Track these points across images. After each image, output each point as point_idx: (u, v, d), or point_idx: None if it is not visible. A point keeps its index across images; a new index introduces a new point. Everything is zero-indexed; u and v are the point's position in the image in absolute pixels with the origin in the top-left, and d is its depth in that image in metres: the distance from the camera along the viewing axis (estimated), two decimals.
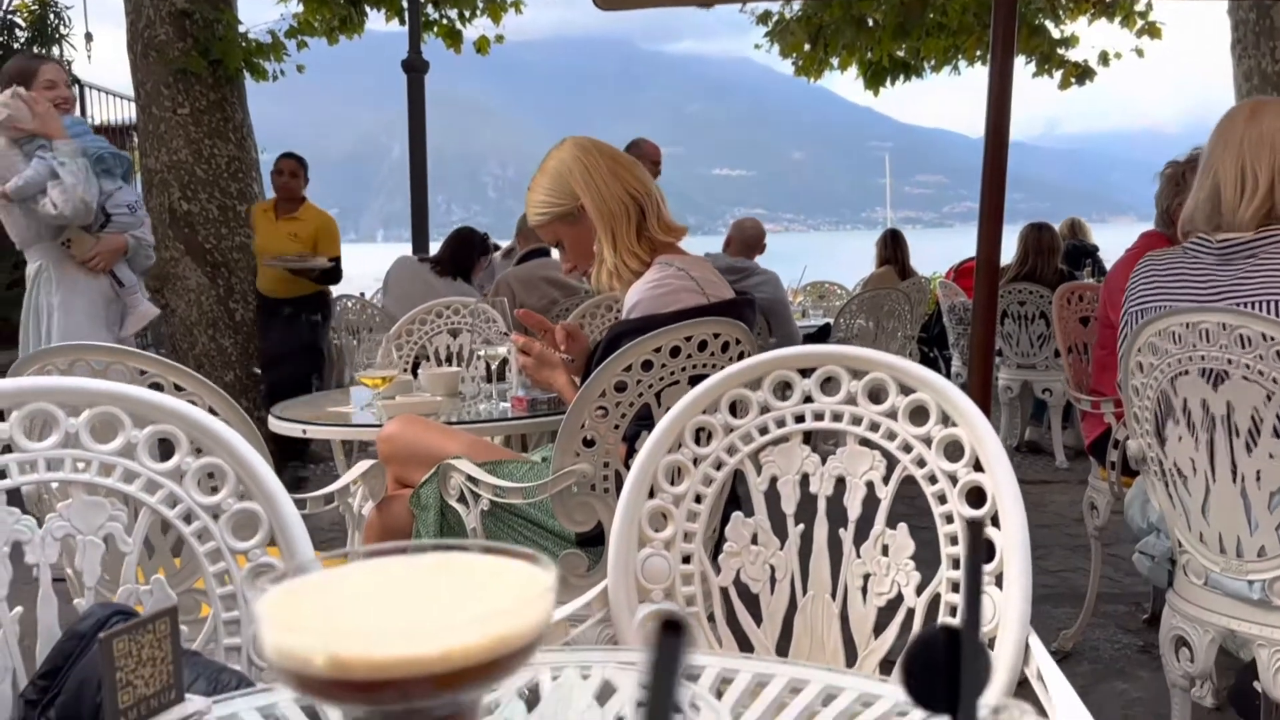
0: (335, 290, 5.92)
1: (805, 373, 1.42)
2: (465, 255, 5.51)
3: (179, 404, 1.18)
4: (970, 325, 4.49)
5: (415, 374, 3.15)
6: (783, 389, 1.43)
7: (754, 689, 0.96)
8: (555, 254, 4.88)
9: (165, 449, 1.19)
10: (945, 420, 1.32)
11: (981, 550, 0.41)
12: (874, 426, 1.36)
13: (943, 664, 0.44)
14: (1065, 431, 5.54)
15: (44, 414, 1.14)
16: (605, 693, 0.94)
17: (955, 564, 1.29)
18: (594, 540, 2.09)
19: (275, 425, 2.63)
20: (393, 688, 0.47)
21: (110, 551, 1.18)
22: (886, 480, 1.36)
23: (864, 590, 1.35)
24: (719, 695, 0.94)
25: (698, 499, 1.41)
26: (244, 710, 0.90)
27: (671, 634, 0.19)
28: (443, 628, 0.48)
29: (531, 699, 0.93)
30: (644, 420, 2.00)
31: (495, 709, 0.91)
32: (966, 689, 0.44)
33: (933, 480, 1.31)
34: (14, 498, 1.15)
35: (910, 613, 1.30)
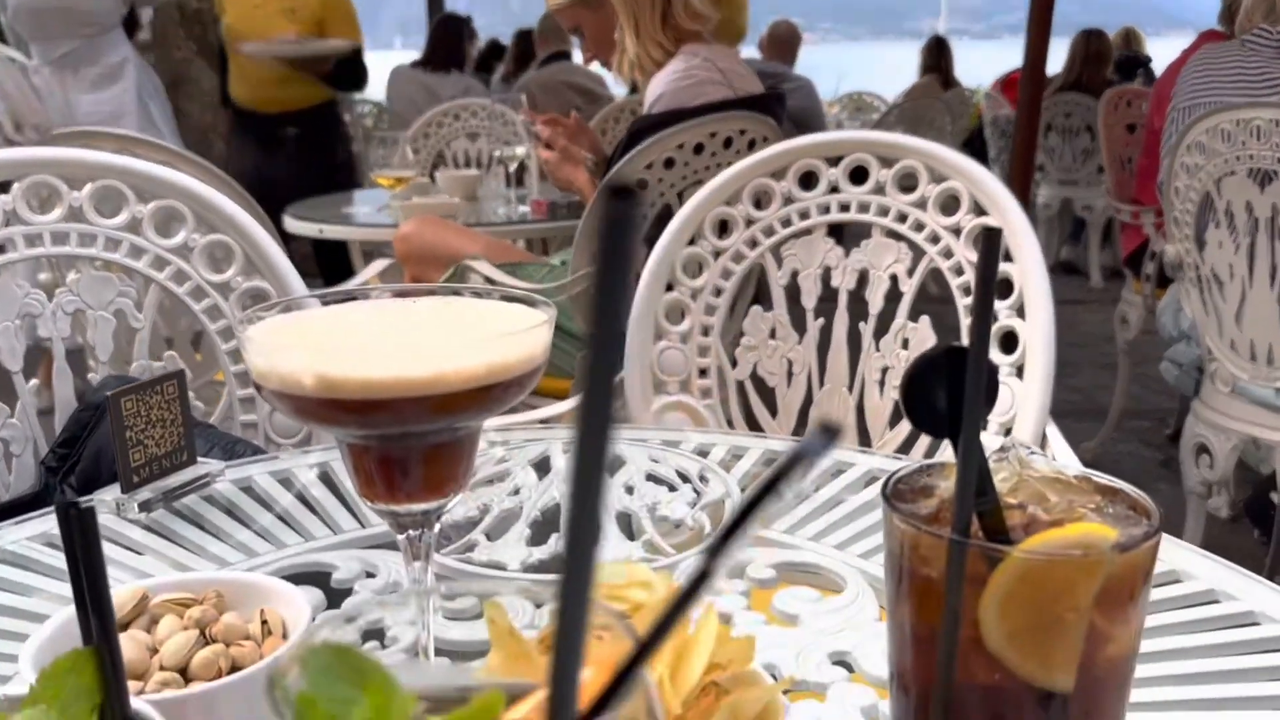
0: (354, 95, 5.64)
1: (833, 162, 1.36)
2: (454, 44, 5.22)
3: (184, 178, 1.15)
4: (1012, 137, 4.33)
5: (433, 179, 3.09)
6: (808, 179, 1.38)
7: (764, 464, 0.95)
8: (577, 57, 4.71)
9: (172, 233, 1.16)
10: (978, 210, 1.27)
11: (997, 260, 0.37)
12: (902, 217, 1.32)
13: (945, 386, 0.42)
14: (1103, 251, 5.43)
15: (47, 186, 1.11)
16: (614, 465, 0.94)
17: None
18: None
19: (291, 225, 2.60)
20: (386, 409, 0.46)
21: (123, 331, 1.18)
22: (911, 273, 1.32)
23: (881, 383, 1.33)
24: (728, 470, 0.93)
25: (716, 292, 1.38)
26: (257, 474, 0.91)
27: (621, 200, 0.16)
28: (435, 351, 0.46)
29: (541, 469, 0.93)
30: (665, 222, 1.95)
31: (506, 478, 0.92)
32: (969, 411, 0.41)
33: (959, 272, 1.28)
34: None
35: None
